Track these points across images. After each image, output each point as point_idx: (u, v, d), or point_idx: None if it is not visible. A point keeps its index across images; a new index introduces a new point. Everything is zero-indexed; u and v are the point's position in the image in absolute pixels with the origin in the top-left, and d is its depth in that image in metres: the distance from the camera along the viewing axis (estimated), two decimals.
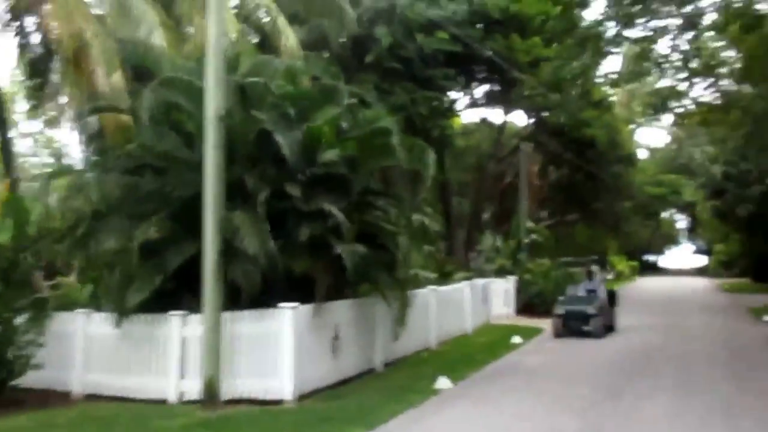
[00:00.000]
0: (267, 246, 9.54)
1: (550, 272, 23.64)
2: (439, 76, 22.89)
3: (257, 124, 10.25)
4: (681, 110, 31.81)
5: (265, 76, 11.08)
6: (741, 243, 47.86)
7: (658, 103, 33.54)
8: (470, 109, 30.55)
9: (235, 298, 9.77)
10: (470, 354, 14.53)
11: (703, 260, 76.76)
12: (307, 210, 10.17)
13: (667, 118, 38.07)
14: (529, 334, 17.78)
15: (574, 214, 36.58)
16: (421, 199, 14.86)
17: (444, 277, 19.38)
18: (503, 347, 15.48)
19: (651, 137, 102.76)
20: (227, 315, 9.51)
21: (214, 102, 9.57)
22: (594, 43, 22.29)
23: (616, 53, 25.57)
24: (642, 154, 63.64)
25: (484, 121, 36.30)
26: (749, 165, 36.52)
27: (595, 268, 22.04)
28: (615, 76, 29.54)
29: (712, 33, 24.67)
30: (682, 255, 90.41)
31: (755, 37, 19.01)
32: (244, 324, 9.76)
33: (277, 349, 9.58)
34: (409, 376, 11.81)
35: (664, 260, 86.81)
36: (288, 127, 10.27)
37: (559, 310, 17.24)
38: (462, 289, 18.08)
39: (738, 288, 39.11)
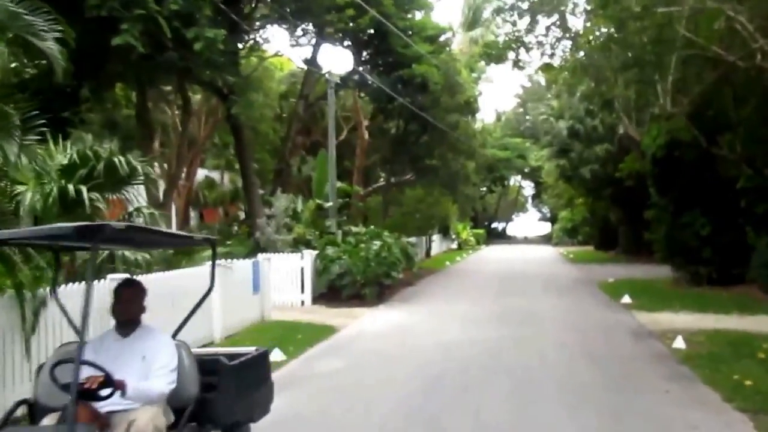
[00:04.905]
0: None
1: (360, 244, 17.70)
2: None
3: None
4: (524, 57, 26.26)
5: None
6: (585, 208, 45.40)
7: (500, 49, 28.22)
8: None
9: None
10: None
11: (547, 228, 76.14)
12: None
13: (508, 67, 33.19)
14: (306, 341, 11.74)
15: (408, 174, 30.97)
16: None
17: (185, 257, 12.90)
18: None
19: (497, 100, 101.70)
20: None
21: None
22: None
23: None
24: (489, 118, 60.49)
25: (308, 61, 29.73)
26: (595, 121, 33.06)
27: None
28: None
29: None
30: (529, 222, 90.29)
31: None
32: None
33: None
34: None
35: (511, 228, 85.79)
36: None
37: None
38: (200, 275, 11.39)
39: (583, 257, 36.04)
